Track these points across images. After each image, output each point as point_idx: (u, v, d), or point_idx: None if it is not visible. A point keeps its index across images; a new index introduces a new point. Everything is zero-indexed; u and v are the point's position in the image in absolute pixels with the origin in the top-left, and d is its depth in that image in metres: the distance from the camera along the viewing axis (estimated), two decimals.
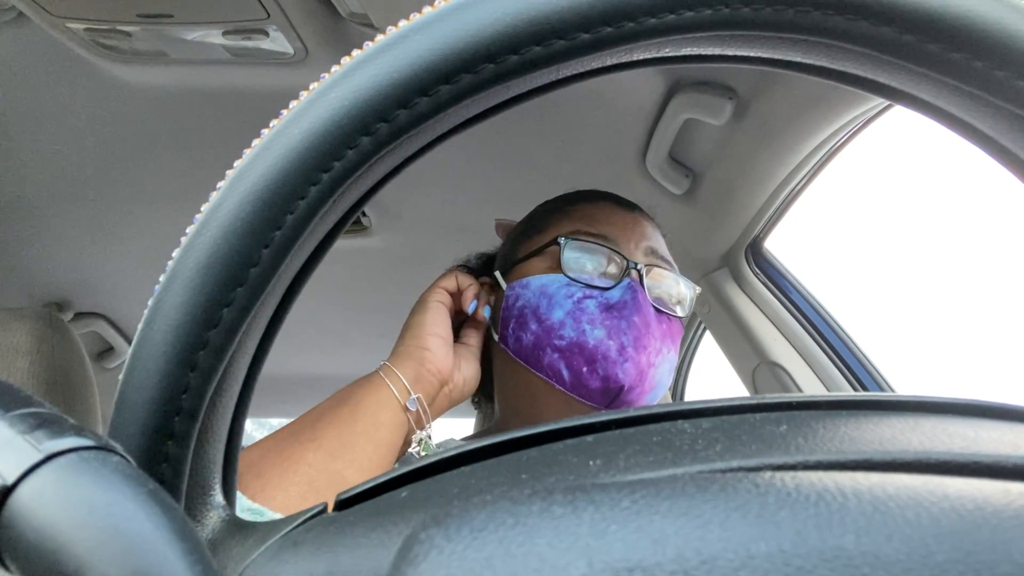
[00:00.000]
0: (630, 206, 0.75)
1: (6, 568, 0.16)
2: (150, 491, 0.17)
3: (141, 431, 0.22)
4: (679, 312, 0.68)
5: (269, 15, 0.84)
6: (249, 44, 0.90)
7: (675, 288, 0.69)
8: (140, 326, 0.23)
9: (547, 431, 0.25)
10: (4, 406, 0.18)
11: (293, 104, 0.24)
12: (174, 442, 0.23)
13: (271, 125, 0.24)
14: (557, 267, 0.66)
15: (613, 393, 0.62)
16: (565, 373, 0.62)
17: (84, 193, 1.26)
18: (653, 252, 0.69)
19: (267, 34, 0.88)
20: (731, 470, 0.19)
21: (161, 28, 0.87)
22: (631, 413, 0.25)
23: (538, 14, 0.22)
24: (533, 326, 0.64)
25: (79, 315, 1.64)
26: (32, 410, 0.18)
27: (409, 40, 0.23)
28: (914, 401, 0.25)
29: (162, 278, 0.23)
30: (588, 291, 0.64)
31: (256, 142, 0.24)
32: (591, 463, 0.21)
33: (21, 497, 0.16)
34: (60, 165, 1.18)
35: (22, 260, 1.44)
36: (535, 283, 0.66)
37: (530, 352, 0.65)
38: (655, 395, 0.66)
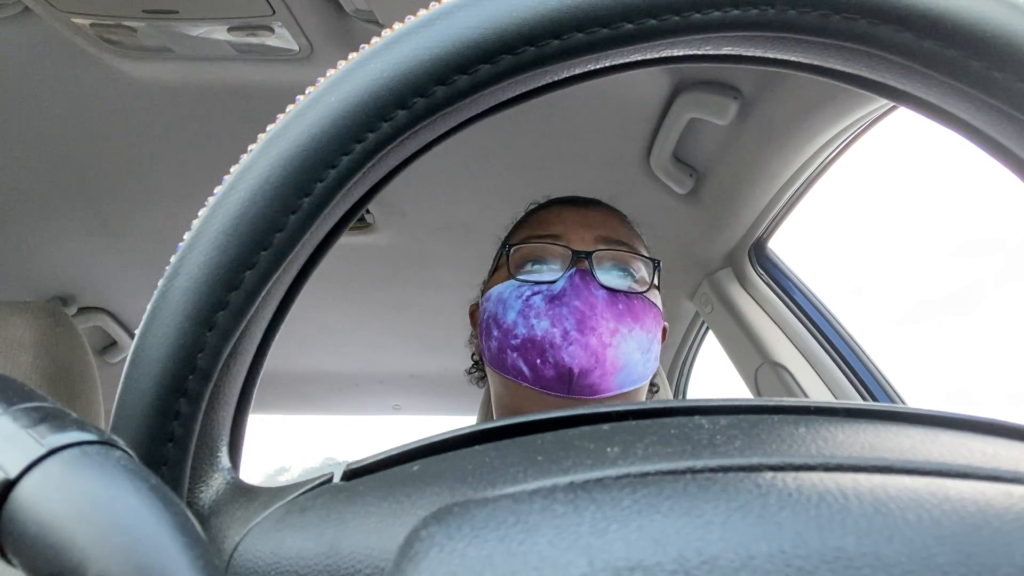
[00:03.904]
0: (583, 202, 0.75)
1: (9, 562, 0.16)
2: (152, 486, 0.17)
3: (155, 387, 0.22)
4: (637, 288, 0.68)
5: (274, 11, 0.84)
6: (254, 40, 0.90)
7: (629, 266, 0.69)
8: (161, 282, 0.23)
9: (563, 416, 0.25)
10: (7, 400, 0.18)
11: (331, 72, 0.23)
12: (186, 400, 0.23)
13: (298, 100, 0.23)
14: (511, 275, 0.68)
15: (566, 378, 0.62)
16: (525, 369, 0.64)
17: (89, 188, 1.26)
18: (606, 239, 0.69)
19: (272, 30, 0.88)
20: (752, 467, 0.19)
21: (166, 24, 0.87)
22: (648, 405, 0.25)
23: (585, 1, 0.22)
24: (495, 332, 0.67)
25: (82, 310, 1.64)
26: (35, 404, 0.18)
27: (453, 17, 0.23)
28: (931, 415, 0.25)
29: (187, 236, 0.23)
30: (536, 287, 0.65)
31: (291, 108, 0.23)
32: (608, 450, 0.21)
33: (24, 491, 0.16)
34: (65, 160, 1.18)
35: (26, 254, 1.44)
36: (494, 294, 0.69)
37: (496, 357, 0.67)
38: (627, 375, 0.65)
